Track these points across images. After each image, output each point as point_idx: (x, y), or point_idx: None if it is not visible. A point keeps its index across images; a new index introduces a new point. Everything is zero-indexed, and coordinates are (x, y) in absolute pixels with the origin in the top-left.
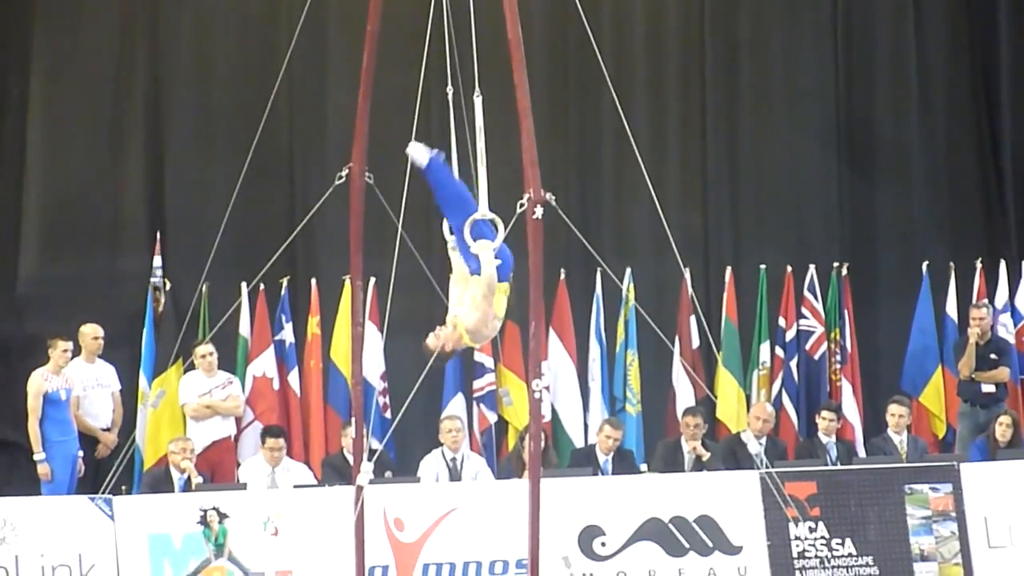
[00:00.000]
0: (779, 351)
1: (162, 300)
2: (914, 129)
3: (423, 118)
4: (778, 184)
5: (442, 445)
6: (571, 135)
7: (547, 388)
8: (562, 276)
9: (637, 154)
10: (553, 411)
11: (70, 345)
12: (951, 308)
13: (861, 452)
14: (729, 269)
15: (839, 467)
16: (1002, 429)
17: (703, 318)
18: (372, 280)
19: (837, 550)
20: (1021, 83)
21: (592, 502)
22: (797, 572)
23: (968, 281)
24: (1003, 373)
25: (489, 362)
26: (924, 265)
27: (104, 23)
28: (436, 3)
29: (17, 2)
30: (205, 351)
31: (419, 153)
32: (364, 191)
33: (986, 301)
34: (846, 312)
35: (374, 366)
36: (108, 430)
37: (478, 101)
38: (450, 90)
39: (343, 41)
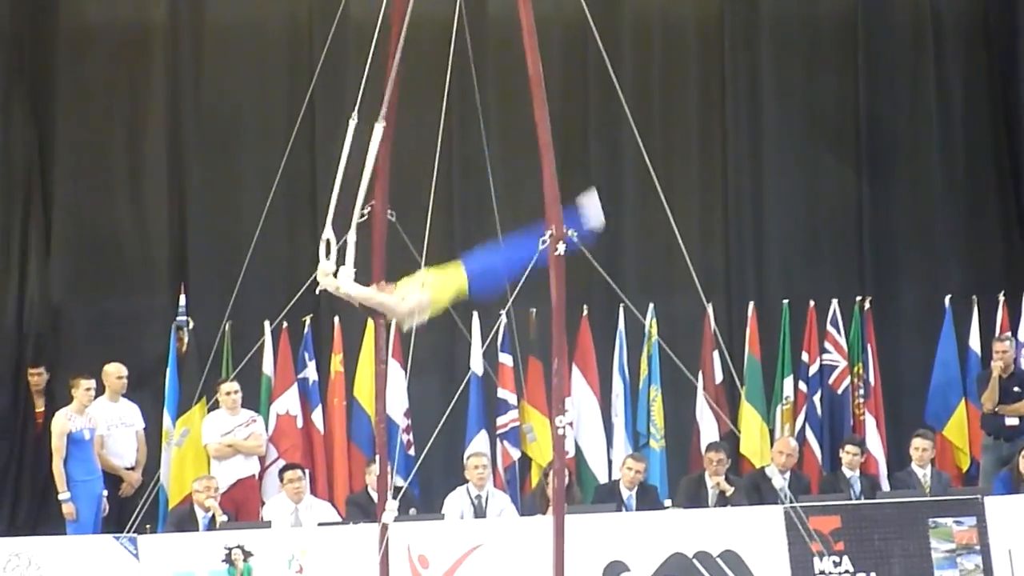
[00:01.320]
0: (802, 385)
1: (185, 339)
2: (935, 163)
3: (444, 156)
4: (800, 218)
5: (467, 482)
6: (592, 171)
7: (570, 424)
8: (585, 312)
9: (659, 189)
10: (577, 447)
11: (93, 384)
12: (974, 341)
13: (885, 486)
14: (752, 304)
15: (863, 501)
16: None
17: (726, 353)
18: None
19: None
20: None
21: (616, 538)
22: None
23: (991, 314)
24: None
25: (512, 399)
26: (947, 299)
27: (124, 62)
28: (457, 44)
29: (39, 43)
30: (229, 389)
31: (597, 212)
32: (386, 228)
33: (1009, 334)
34: (869, 346)
35: (397, 403)
36: (132, 469)
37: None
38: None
39: (363, 75)
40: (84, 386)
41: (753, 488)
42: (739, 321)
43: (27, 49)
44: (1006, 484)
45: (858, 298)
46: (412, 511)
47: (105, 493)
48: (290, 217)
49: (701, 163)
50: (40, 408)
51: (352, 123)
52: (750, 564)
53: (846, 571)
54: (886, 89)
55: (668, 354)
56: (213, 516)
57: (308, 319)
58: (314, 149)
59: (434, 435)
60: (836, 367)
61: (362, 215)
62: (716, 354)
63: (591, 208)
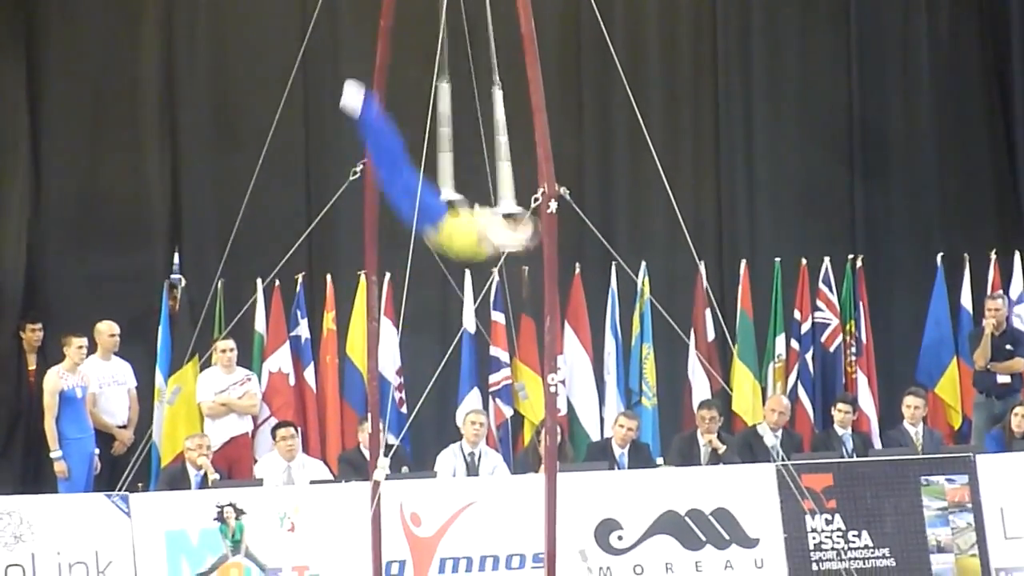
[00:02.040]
0: (794, 343)
1: (178, 297)
2: (926, 121)
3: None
4: (792, 177)
5: (460, 440)
6: (586, 130)
7: (563, 382)
8: (577, 270)
9: (651, 148)
10: (569, 405)
11: (85, 342)
12: (966, 299)
13: (877, 444)
14: (744, 262)
15: (855, 459)
16: (1018, 420)
17: (718, 311)
18: (387, 275)
19: (854, 542)
20: None
21: (608, 496)
22: (814, 564)
23: (983, 272)
24: (1019, 363)
25: (505, 356)
26: (938, 257)
27: (118, 20)
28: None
29: (30, 1)
30: (225, 346)
31: (354, 98)
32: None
33: (1001, 292)
34: (861, 304)
35: (390, 361)
36: (124, 427)
37: (498, 95)
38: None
39: (357, 36)
40: (76, 344)
41: (745, 446)
42: (731, 279)
43: (17, 6)
44: (998, 442)
45: (850, 256)
46: (404, 469)
47: (97, 451)
48: (284, 174)
49: (693, 121)
50: (32, 366)
51: (446, 87)
52: (742, 522)
53: (838, 529)
54: (879, 47)
55: (660, 312)
56: (205, 474)
57: (300, 277)
58: (307, 106)
59: (426, 393)
60: (828, 325)
61: (355, 173)
62: (708, 312)
63: (351, 98)
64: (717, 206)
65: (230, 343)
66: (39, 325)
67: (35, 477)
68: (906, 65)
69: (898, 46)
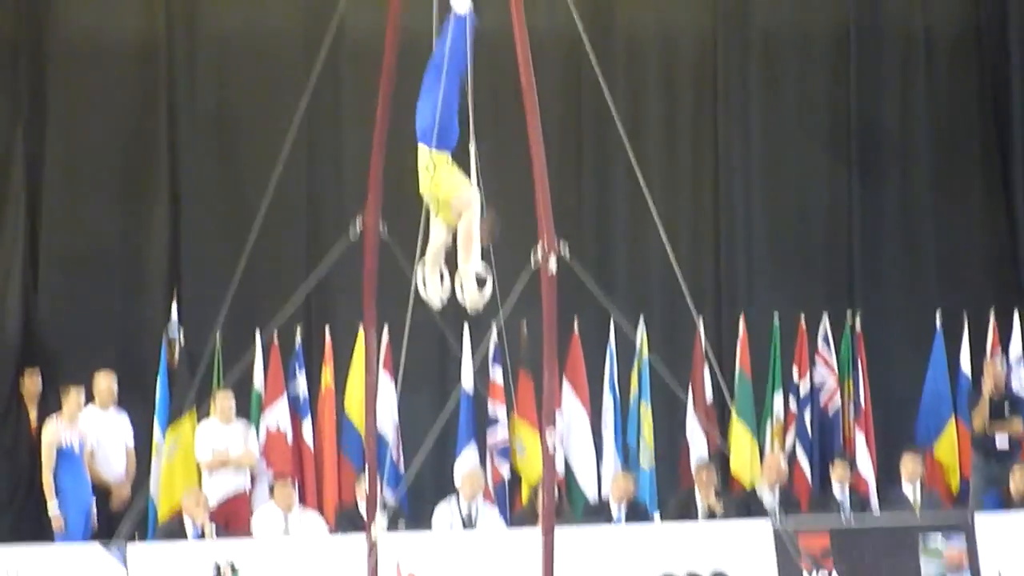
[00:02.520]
0: (792, 403)
1: (176, 350)
2: (926, 179)
3: None
4: (791, 233)
5: (456, 495)
6: (585, 182)
7: (561, 439)
8: (576, 326)
9: (650, 202)
10: (566, 462)
11: (83, 393)
12: (964, 360)
13: (875, 505)
14: (742, 318)
15: (853, 520)
16: (1016, 481)
17: (717, 370)
18: (386, 328)
19: None
20: None
21: (606, 554)
22: None
23: (982, 333)
24: (1017, 425)
25: (502, 413)
26: (937, 316)
27: (121, 71)
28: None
29: (32, 50)
30: (224, 397)
31: (463, 3)
32: (378, 241)
33: (1000, 354)
34: (859, 363)
35: (388, 417)
36: (122, 481)
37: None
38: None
39: (358, 91)
40: (74, 395)
41: (743, 506)
42: (729, 335)
43: (19, 60)
44: (996, 504)
45: (849, 313)
46: (401, 524)
47: (94, 506)
48: (284, 228)
49: (693, 177)
50: (33, 414)
51: (472, 149)
52: None
53: None
54: (877, 103)
55: (658, 369)
56: (203, 529)
57: (299, 328)
58: (309, 159)
59: (424, 449)
60: (827, 384)
61: (355, 230)
62: (706, 370)
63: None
64: (716, 261)
65: (229, 394)
66: (36, 369)
67: (36, 529)
68: (905, 121)
69: (897, 103)
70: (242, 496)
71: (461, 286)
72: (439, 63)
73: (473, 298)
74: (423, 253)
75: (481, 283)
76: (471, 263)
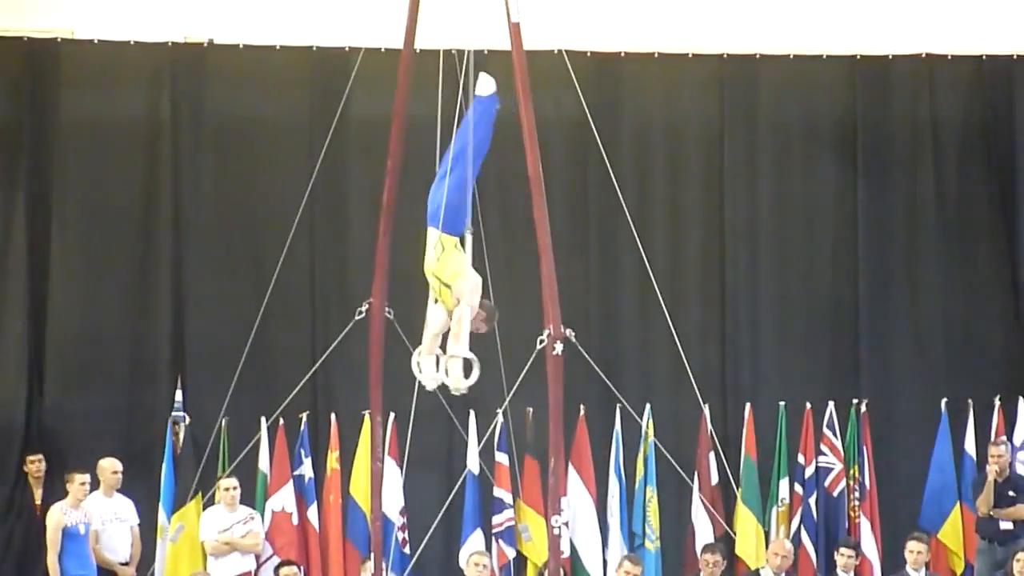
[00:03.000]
0: (798, 487)
1: (181, 435)
2: (933, 267)
3: None
4: (797, 320)
5: None
6: (591, 271)
7: (566, 524)
8: (581, 412)
9: (656, 291)
10: (572, 547)
11: (87, 478)
12: (969, 445)
13: None
14: (748, 405)
15: None
16: (1020, 566)
17: (722, 454)
18: (392, 415)
19: None
20: None
21: None
22: None
23: (987, 418)
24: (1021, 510)
25: (508, 498)
26: (943, 402)
27: (124, 156)
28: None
29: (35, 133)
30: (228, 485)
31: (488, 86)
32: (384, 326)
33: (1004, 438)
34: (865, 449)
35: (393, 501)
36: (127, 564)
37: (468, 238)
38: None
39: (363, 176)
40: (79, 481)
41: None
42: (735, 421)
43: (24, 141)
44: None
45: (854, 401)
46: None
47: None
48: (289, 313)
49: (699, 265)
50: (38, 500)
51: (469, 235)
52: None
53: None
54: (885, 193)
55: (664, 454)
56: None
57: (304, 416)
58: (314, 244)
59: (429, 533)
60: (832, 469)
61: (360, 312)
62: (712, 455)
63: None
64: (722, 349)
65: (233, 481)
66: (39, 456)
67: None
68: (913, 208)
69: (904, 193)
70: None
71: (446, 369)
72: (462, 146)
73: (457, 381)
74: None
75: (468, 368)
76: (459, 347)
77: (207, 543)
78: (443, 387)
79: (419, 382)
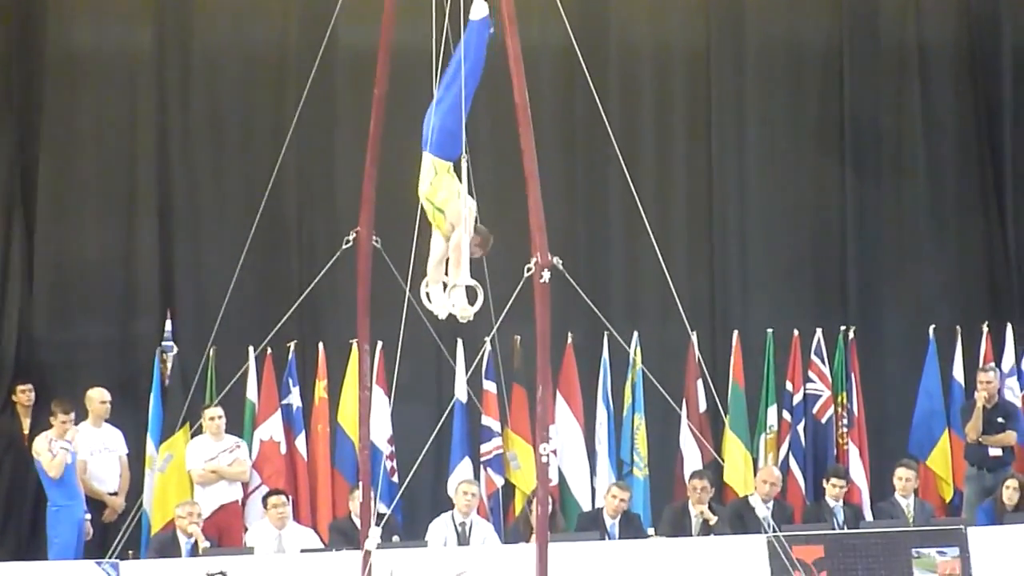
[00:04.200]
0: (786, 415)
1: (169, 365)
2: (920, 193)
3: None
4: (785, 248)
5: (451, 509)
6: (578, 198)
7: (554, 452)
8: (569, 340)
9: (644, 218)
10: (560, 475)
11: (71, 416)
12: (958, 372)
13: (868, 516)
14: (736, 333)
15: (846, 531)
16: (1009, 493)
17: (710, 382)
18: (379, 344)
19: None
20: None
21: (599, 567)
22: None
23: (975, 345)
24: (1010, 437)
25: (496, 426)
26: (931, 329)
27: (112, 87)
28: (444, 67)
29: (25, 70)
30: (213, 414)
31: (481, 9)
32: (371, 255)
33: (993, 364)
34: (853, 376)
35: (381, 430)
36: (115, 494)
37: (464, 165)
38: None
39: (350, 104)
40: (61, 419)
41: (736, 517)
42: (723, 350)
43: (12, 75)
44: (989, 515)
45: (842, 328)
46: (395, 538)
47: (88, 517)
48: (276, 243)
49: (687, 191)
50: (26, 429)
51: (465, 162)
52: None
53: None
54: (872, 116)
55: (652, 382)
56: (196, 542)
57: (292, 345)
58: (301, 174)
59: (418, 462)
60: (820, 396)
61: (347, 241)
62: (700, 383)
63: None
64: (710, 276)
65: (218, 411)
66: (29, 386)
67: (29, 544)
68: (900, 134)
69: (891, 116)
70: (234, 507)
71: (450, 297)
72: (455, 71)
73: (463, 310)
74: (416, 264)
75: (472, 296)
76: (460, 276)
77: (194, 472)
78: (434, 316)
79: (405, 312)
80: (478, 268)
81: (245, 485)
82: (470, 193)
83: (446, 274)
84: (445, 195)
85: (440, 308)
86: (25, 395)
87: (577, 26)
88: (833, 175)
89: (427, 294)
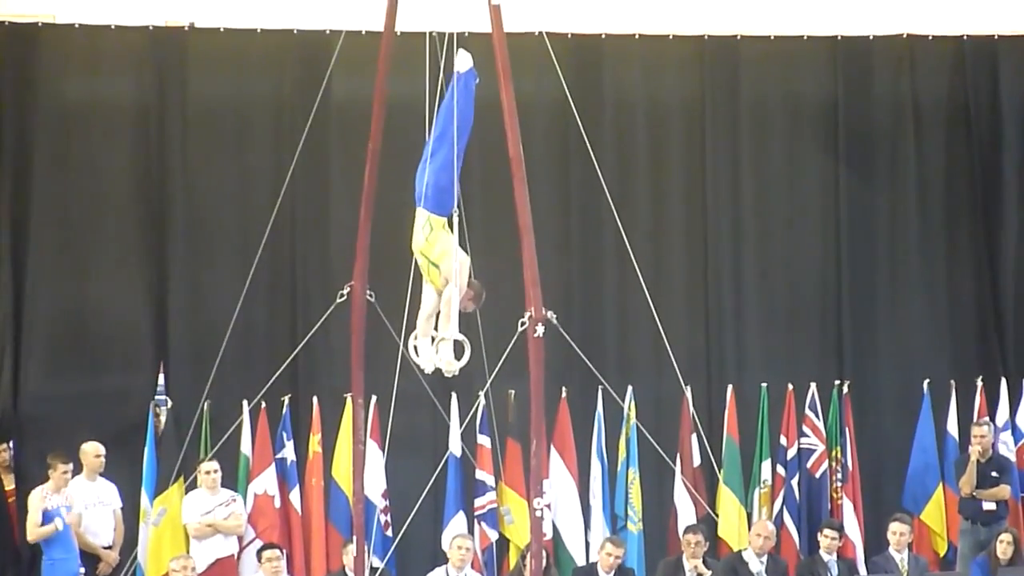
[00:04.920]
0: (780, 469)
1: (163, 418)
2: (915, 250)
3: None
4: (780, 302)
5: (445, 563)
6: (573, 252)
7: (548, 506)
8: (563, 394)
9: (638, 272)
10: (554, 529)
11: (70, 467)
12: (952, 426)
13: (863, 570)
14: (731, 387)
15: None
16: (1003, 547)
17: (704, 436)
18: (374, 398)
19: None
20: (1022, 201)
21: None
22: None
23: (969, 399)
24: (1004, 491)
25: (490, 480)
26: (925, 383)
27: (109, 139)
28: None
29: (17, 121)
30: (209, 468)
31: (466, 62)
32: (365, 309)
33: (987, 419)
34: (847, 430)
35: (375, 484)
36: (110, 548)
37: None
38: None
39: (345, 159)
40: (61, 470)
41: (731, 571)
42: (718, 404)
43: (4, 126)
44: (983, 569)
45: (836, 382)
46: None
47: (83, 571)
48: (270, 296)
49: (681, 246)
50: (9, 486)
51: (456, 216)
52: None
53: None
54: (866, 173)
55: (646, 436)
56: None
57: (286, 399)
58: (295, 227)
59: (411, 516)
60: (814, 451)
61: (341, 295)
62: (694, 437)
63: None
64: (704, 331)
65: (214, 465)
66: (4, 445)
67: None
68: (894, 188)
69: (886, 174)
70: (229, 561)
71: (438, 351)
72: (445, 126)
73: (448, 363)
74: (409, 317)
75: (459, 350)
76: (449, 329)
77: (190, 526)
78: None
79: (399, 366)
80: (472, 322)
81: (240, 539)
82: (463, 247)
83: (435, 328)
84: (441, 250)
85: (427, 362)
86: (2, 455)
87: (572, 83)
88: (829, 233)
89: (415, 347)
